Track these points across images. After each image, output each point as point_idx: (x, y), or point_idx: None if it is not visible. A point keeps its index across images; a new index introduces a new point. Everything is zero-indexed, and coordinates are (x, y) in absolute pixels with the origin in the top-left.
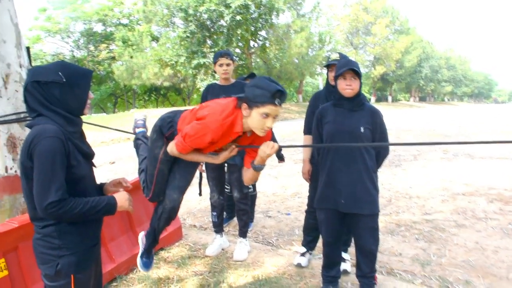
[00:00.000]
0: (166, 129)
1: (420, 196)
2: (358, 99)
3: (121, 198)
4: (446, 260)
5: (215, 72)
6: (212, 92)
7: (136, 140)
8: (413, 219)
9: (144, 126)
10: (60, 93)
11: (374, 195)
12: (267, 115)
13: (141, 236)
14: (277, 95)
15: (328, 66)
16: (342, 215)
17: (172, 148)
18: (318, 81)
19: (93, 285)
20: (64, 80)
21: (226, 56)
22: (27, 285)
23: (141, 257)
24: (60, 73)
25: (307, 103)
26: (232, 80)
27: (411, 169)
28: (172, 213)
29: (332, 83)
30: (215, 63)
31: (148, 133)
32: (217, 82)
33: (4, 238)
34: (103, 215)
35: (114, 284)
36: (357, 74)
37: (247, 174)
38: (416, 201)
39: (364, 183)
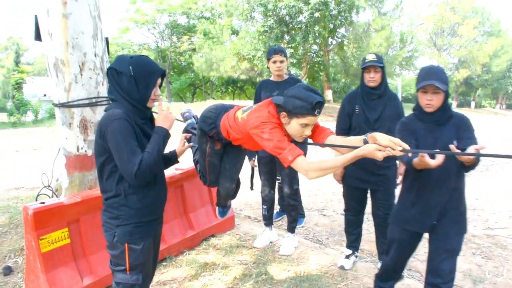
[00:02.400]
0: (208, 129)
1: (485, 209)
2: (444, 112)
3: (164, 121)
4: (503, 280)
5: (268, 68)
6: (265, 88)
7: (185, 131)
8: (473, 233)
9: (192, 117)
10: (127, 83)
11: (465, 212)
12: (306, 125)
13: None
14: (317, 106)
15: (365, 67)
16: (421, 235)
17: (301, 166)
18: (396, 82)
19: (150, 259)
20: (132, 74)
21: (280, 53)
22: (85, 255)
23: (217, 205)
24: (130, 66)
25: None
26: (285, 76)
27: (480, 180)
28: (228, 197)
29: (370, 84)
30: (268, 59)
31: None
32: (271, 78)
33: (68, 210)
34: (161, 143)
35: (164, 263)
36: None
37: None
38: (480, 214)
39: (457, 203)
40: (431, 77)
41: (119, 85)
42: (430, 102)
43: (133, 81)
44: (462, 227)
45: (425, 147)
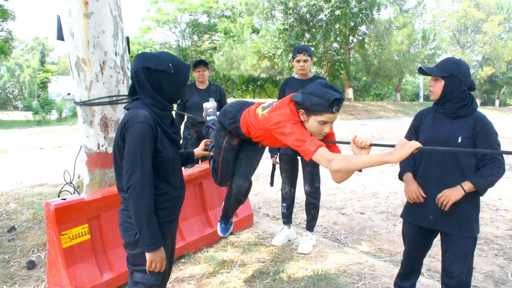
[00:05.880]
0: (228, 123)
1: (509, 210)
2: (458, 103)
3: (158, 253)
4: None
5: (290, 65)
6: (290, 86)
7: (206, 127)
8: (496, 233)
9: (214, 113)
10: (165, 82)
11: (471, 215)
12: (324, 122)
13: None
14: (335, 103)
15: None
16: (430, 232)
17: (324, 156)
18: (419, 80)
19: (168, 258)
20: (173, 71)
21: (304, 52)
22: (105, 251)
23: (220, 222)
24: (170, 64)
25: (405, 103)
26: (310, 75)
27: (504, 180)
28: (239, 196)
29: None
30: (293, 58)
31: None
32: (296, 76)
33: (88, 207)
34: (143, 236)
35: (182, 260)
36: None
37: (339, 173)
38: (503, 214)
39: (460, 204)
40: (437, 65)
41: (151, 84)
42: (431, 88)
43: (173, 78)
44: (469, 231)
45: (424, 137)
